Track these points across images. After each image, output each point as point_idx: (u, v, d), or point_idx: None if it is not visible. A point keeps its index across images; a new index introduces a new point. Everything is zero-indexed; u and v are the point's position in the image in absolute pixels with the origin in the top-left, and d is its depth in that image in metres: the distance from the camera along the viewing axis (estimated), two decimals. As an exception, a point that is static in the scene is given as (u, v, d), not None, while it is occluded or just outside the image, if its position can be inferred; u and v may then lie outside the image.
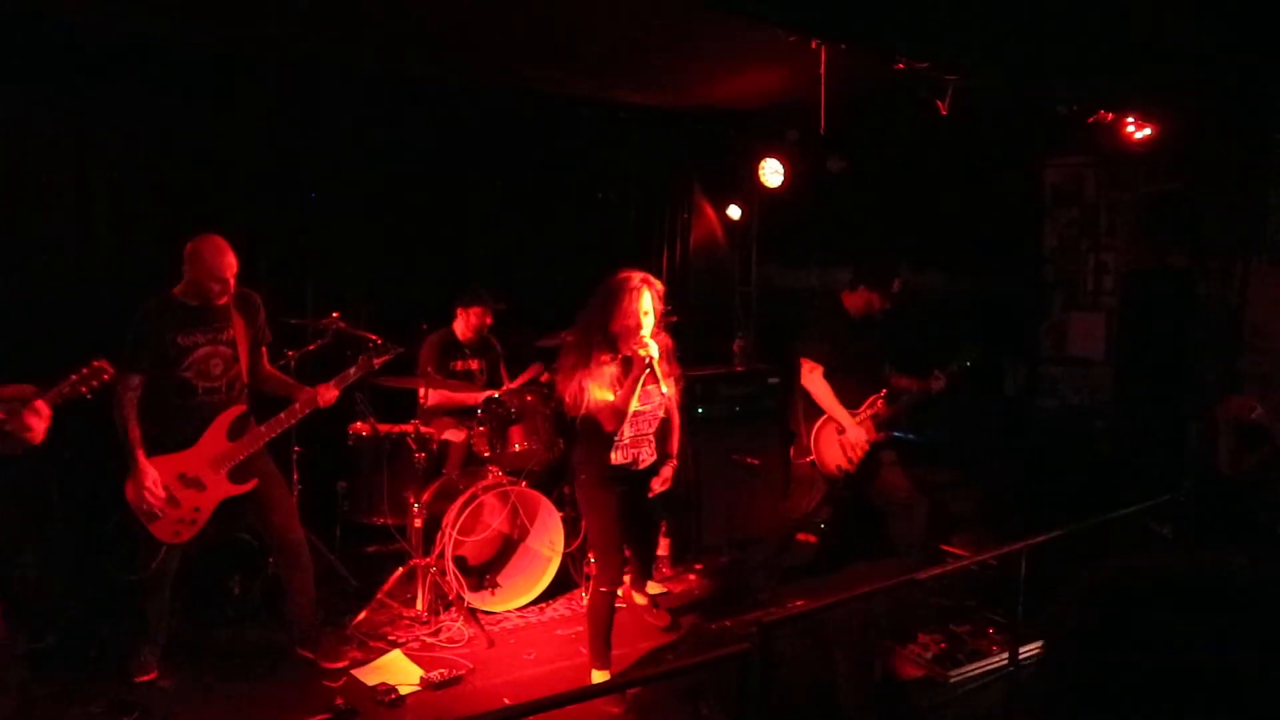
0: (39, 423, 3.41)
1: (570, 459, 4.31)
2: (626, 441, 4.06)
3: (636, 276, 3.92)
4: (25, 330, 4.59)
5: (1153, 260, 6.95)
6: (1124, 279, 7.12)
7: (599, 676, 4.16)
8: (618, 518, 4.09)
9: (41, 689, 4.04)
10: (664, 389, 4.01)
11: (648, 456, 4.16)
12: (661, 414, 4.15)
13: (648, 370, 3.90)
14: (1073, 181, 7.38)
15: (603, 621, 4.15)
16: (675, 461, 4.25)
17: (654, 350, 3.86)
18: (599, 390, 3.89)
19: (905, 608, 4.66)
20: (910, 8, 4.52)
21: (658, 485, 4.23)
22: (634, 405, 3.97)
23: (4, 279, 4.73)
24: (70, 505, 4.62)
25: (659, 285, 3.97)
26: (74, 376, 3.52)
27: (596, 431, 3.99)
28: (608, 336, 3.92)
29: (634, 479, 4.16)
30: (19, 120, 4.90)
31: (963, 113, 4.87)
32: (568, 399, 3.98)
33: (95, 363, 3.57)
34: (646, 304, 3.88)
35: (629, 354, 3.92)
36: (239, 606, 4.91)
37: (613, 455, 4.04)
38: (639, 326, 3.86)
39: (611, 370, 3.93)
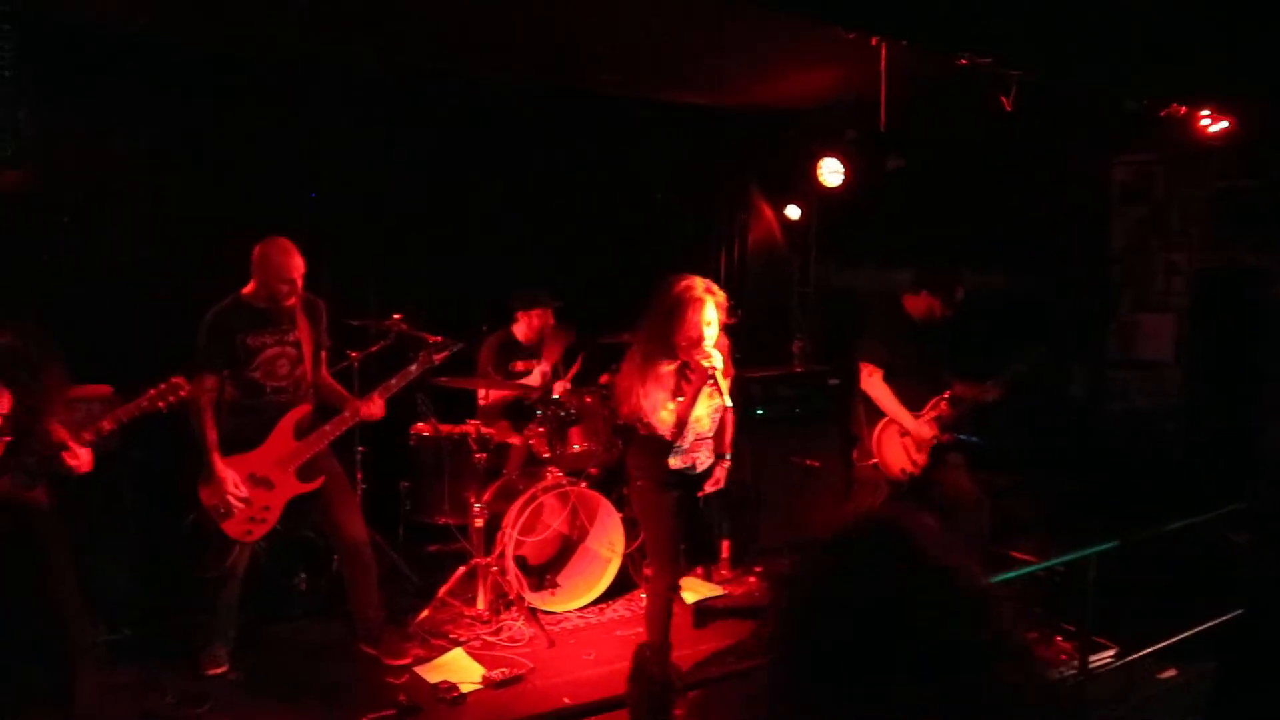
0: (79, 465, 3.44)
1: (626, 463, 4.29)
2: (686, 447, 4.04)
3: (700, 285, 3.87)
4: None
5: (1224, 259, 6.75)
6: (1194, 278, 6.93)
7: (659, 678, 4.16)
8: (675, 521, 4.07)
9: (118, 679, 4.16)
10: (726, 401, 3.98)
11: (706, 460, 4.13)
12: (719, 417, 4.13)
13: (710, 380, 3.87)
14: (1141, 179, 7.19)
15: (662, 623, 4.15)
16: (729, 462, 4.22)
17: (718, 361, 3.83)
18: (659, 399, 3.89)
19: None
20: (973, 2, 4.44)
21: (710, 486, 4.21)
22: (695, 413, 3.96)
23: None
24: (146, 504, 4.72)
25: (721, 295, 3.92)
26: (151, 392, 3.58)
27: (655, 437, 3.97)
28: (669, 346, 3.89)
29: (690, 482, 4.15)
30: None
31: (1026, 109, 4.78)
32: (624, 409, 3.97)
33: (173, 379, 3.63)
34: (710, 314, 3.85)
35: (690, 361, 3.90)
36: (305, 603, 5.00)
37: (671, 461, 4.02)
38: (702, 339, 3.83)
39: (672, 380, 3.91)
